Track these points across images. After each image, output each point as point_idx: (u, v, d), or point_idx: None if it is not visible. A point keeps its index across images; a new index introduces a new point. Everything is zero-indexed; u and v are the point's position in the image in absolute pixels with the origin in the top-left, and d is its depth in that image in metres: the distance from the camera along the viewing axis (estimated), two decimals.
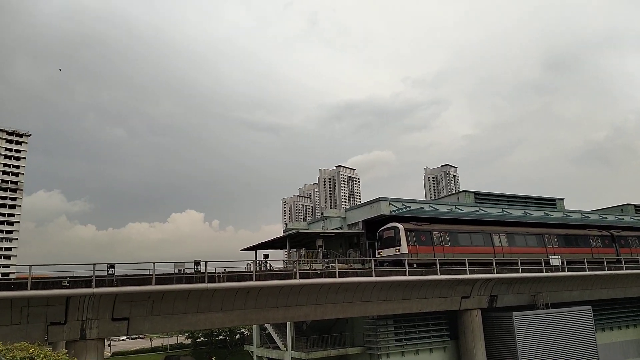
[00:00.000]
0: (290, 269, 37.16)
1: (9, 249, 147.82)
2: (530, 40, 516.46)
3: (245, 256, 55.20)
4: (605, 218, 59.54)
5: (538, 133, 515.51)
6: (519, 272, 42.69)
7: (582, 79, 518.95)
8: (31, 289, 26.01)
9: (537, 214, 53.60)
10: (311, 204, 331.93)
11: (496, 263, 42.27)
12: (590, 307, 47.15)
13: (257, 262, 45.58)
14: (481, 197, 55.22)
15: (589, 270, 46.90)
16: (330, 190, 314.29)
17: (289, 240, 47.09)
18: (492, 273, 41.40)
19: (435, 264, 38.88)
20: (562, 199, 62.77)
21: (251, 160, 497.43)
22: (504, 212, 50.84)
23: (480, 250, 43.63)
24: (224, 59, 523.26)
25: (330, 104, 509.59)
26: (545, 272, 44.40)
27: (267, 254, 48.50)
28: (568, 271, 45.70)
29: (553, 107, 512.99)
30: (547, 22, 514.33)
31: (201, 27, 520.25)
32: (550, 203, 61.38)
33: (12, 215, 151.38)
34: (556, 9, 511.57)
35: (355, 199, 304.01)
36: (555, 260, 45.42)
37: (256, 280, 32.01)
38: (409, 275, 37.31)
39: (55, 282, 27.06)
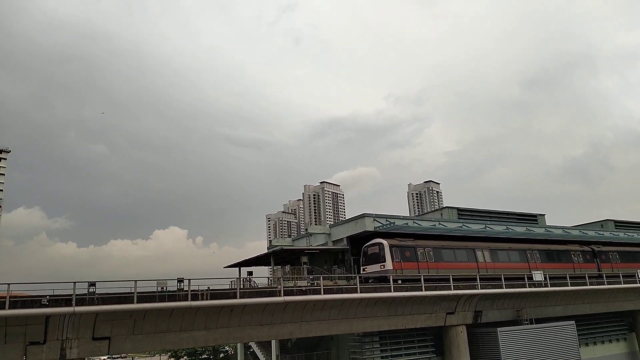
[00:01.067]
0: (275, 286, 36.87)
1: None
2: (508, 59, 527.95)
3: (229, 273, 54.66)
4: (586, 233, 60.36)
5: (518, 149, 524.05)
6: (502, 288, 42.93)
7: (559, 97, 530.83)
8: (9, 308, 25.38)
9: (519, 229, 54.14)
10: (296, 220, 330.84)
11: (480, 279, 42.47)
12: (573, 322, 47.49)
13: (241, 279, 45.16)
14: (464, 213, 55.66)
15: (571, 286, 47.35)
16: (314, 207, 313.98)
17: (274, 257, 46.83)
18: (476, 289, 41.57)
19: (420, 280, 38.94)
20: (544, 215, 63.58)
21: (235, 176, 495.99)
22: (487, 228, 51.25)
23: (464, 266, 43.83)
24: (207, 75, 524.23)
25: (314, 120, 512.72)
26: (529, 287, 44.72)
27: (252, 271, 48.12)
28: (551, 286, 46.09)
29: (532, 124, 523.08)
30: (524, 42, 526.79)
31: (183, 43, 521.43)
32: (531, 219, 62.10)
33: None
34: (533, 30, 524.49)
35: (340, 215, 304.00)
36: (538, 276, 45.79)
37: (240, 297, 31.67)
38: (394, 291, 37.28)
39: (34, 301, 26.45)
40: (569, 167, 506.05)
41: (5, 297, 25.55)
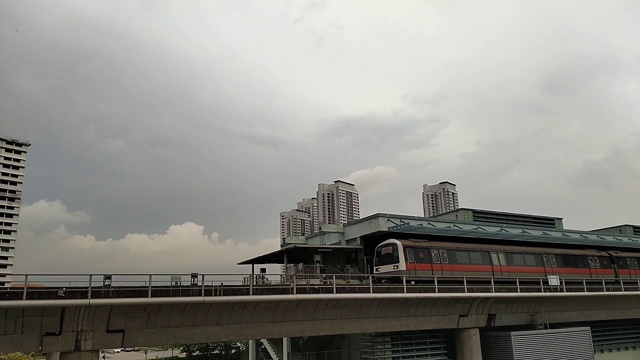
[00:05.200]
0: (288, 283, 36.96)
1: (5, 257, 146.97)
2: (528, 62, 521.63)
3: (242, 270, 54.91)
4: (604, 239, 59.46)
5: (537, 153, 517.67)
6: (517, 292, 42.49)
7: (580, 100, 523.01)
8: (26, 298, 25.82)
9: (535, 233, 53.52)
10: (309, 219, 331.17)
11: (494, 282, 42.08)
12: (589, 327, 46.84)
13: (254, 276, 45.34)
14: (480, 215, 55.20)
15: (587, 291, 46.72)
16: (328, 205, 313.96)
17: (287, 255, 46.92)
18: (490, 292, 41.22)
19: (433, 282, 38.72)
20: (561, 219, 62.75)
21: (251, 174, 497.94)
22: (503, 231, 50.75)
23: (479, 269, 43.48)
24: (225, 73, 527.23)
25: (330, 119, 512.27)
26: (544, 291, 44.21)
27: (265, 268, 48.28)
28: (566, 291, 45.52)
29: (552, 127, 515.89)
30: (543, 44, 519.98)
31: (203, 41, 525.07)
32: (548, 223, 61.32)
33: (10, 224, 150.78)
34: (553, 32, 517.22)
35: (354, 215, 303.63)
36: (553, 280, 45.23)
37: (253, 294, 31.83)
38: (406, 292, 37.13)
39: (51, 292, 26.86)
40: (588, 171, 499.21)
41: (22, 288, 26.01)
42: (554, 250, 50.70)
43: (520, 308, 45.21)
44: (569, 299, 47.05)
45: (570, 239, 55.34)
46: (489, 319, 43.51)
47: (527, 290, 43.37)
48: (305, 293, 33.70)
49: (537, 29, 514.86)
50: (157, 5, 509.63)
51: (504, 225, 53.26)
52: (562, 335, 44.85)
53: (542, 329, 44.64)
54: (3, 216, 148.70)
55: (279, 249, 50.15)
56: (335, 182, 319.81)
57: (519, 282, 42.97)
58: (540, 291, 44.08)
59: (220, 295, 30.79)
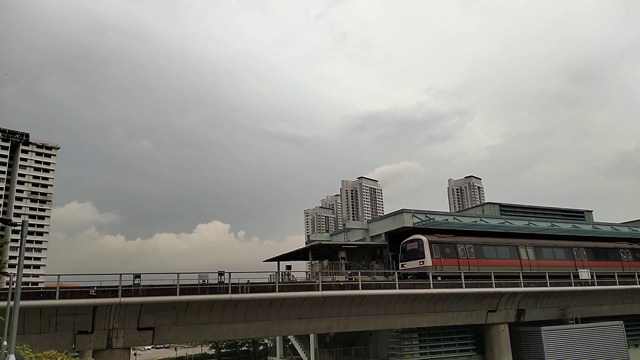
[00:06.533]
0: (313, 280, 37.09)
1: (38, 258, 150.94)
2: (552, 51, 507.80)
3: (268, 267, 55.29)
4: (636, 231, 57.90)
5: (566, 144, 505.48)
6: (547, 286, 41.80)
7: (609, 90, 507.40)
8: (59, 298, 26.54)
9: (565, 226, 52.47)
10: (333, 216, 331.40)
11: (523, 276, 41.47)
12: (621, 322, 45.70)
13: (280, 273, 45.61)
14: (507, 209, 54.37)
15: (619, 285, 45.63)
16: (352, 202, 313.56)
17: (312, 252, 47.07)
18: (519, 287, 40.62)
19: (460, 277, 38.36)
20: (591, 211, 61.38)
21: (275, 171, 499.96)
22: (531, 225, 49.92)
23: (507, 263, 42.88)
24: (249, 72, 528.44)
25: (353, 115, 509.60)
26: (575, 285, 43.37)
27: (290, 265, 48.51)
28: (598, 285, 44.57)
29: (581, 118, 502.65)
30: (570, 33, 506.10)
31: (226, 41, 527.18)
32: (578, 215, 60.05)
33: (42, 225, 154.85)
34: (580, 20, 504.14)
35: (378, 211, 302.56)
36: (584, 274, 44.35)
37: (279, 291, 32.05)
38: (433, 288, 36.87)
39: (82, 292, 27.57)
40: (620, 162, 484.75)
41: (55, 288, 26.73)
42: (585, 243, 49.69)
43: (551, 303, 44.43)
44: (601, 293, 46.04)
45: (601, 232, 54.12)
46: (518, 314, 42.87)
47: (557, 285, 42.61)
48: (331, 290, 33.77)
49: (562, 18, 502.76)
50: (180, 7, 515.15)
51: (532, 219, 52.36)
52: (595, 330, 43.89)
53: (573, 323, 43.79)
54: (35, 218, 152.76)
55: (304, 246, 50.32)
56: (358, 178, 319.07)
57: (549, 276, 42.23)
58: (571, 285, 43.25)
59: (246, 292, 31.09)
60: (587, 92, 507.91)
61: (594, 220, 59.80)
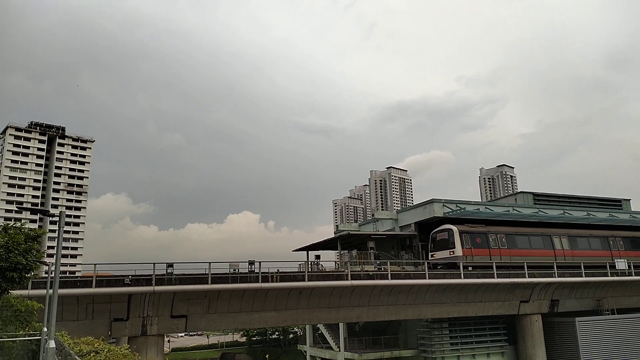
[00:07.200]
0: (342, 270, 37.15)
1: (75, 248, 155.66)
2: (590, 37, 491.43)
3: (297, 257, 55.63)
4: None
5: (602, 132, 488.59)
6: (582, 276, 40.82)
7: None
8: (96, 286, 27.35)
9: (601, 215, 50.96)
10: (362, 206, 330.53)
11: (557, 266, 40.59)
12: None
13: (309, 262, 45.84)
14: (540, 198, 53.11)
15: None
16: (381, 192, 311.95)
17: (340, 242, 47.09)
18: (552, 277, 39.81)
19: (491, 267, 37.79)
20: (629, 200, 59.45)
21: (304, 163, 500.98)
22: (566, 214, 48.66)
23: (540, 253, 42.03)
24: (278, 65, 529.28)
25: (382, 105, 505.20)
26: (611, 276, 42.24)
27: (319, 255, 48.69)
28: (635, 275, 43.28)
29: (619, 105, 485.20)
30: (609, 18, 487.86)
31: (255, 35, 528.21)
32: (615, 204, 58.23)
33: (78, 217, 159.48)
34: (616, 4, 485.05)
35: (407, 201, 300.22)
36: (621, 264, 43.15)
37: (308, 280, 32.25)
38: (464, 278, 36.46)
39: (118, 281, 28.33)
40: None
41: (92, 277, 27.55)
42: (622, 232, 48.29)
43: (585, 293, 43.44)
44: (638, 284, 44.72)
45: (639, 221, 52.35)
46: (552, 304, 42.05)
47: (593, 275, 41.57)
48: (360, 279, 33.79)
49: (600, 2, 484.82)
50: (211, 2, 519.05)
51: (567, 208, 51.02)
52: (631, 321, 42.73)
53: (608, 314, 42.72)
54: (72, 209, 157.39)
55: (333, 236, 50.39)
56: (387, 168, 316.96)
57: (584, 266, 41.24)
58: (607, 275, 42.15)
59: (276, 281, 31.40)
60: (625, 79, 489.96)
61: (632, 210, 57.91)
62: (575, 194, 55.71)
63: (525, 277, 38.50)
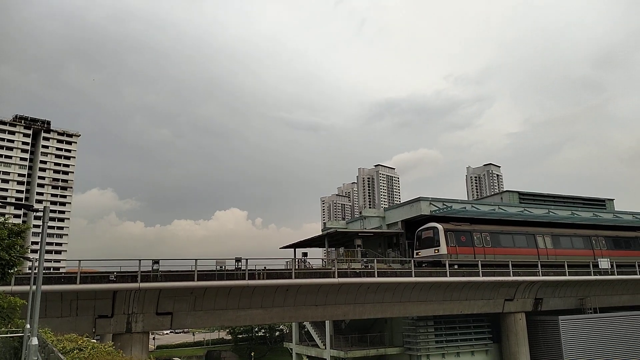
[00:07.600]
0: (329, 267, 37.23)
1: (60, 244, 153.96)
2: (578, 37, 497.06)
3: (285, 254, 55.56)
4: None
5: (588, 131, 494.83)
6: (565, 275, 41.35)
7: (636, 76, 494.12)
8: (80, 283, 27.08)
9: (585, 215, 51.65)
10: (350, 203, 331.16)
11: (541, 265, 41.07)
12: None
13: (297, 260, 45.85)
14: (526, 197, 53.66)
15: None
16: (369, 190, 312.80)
17: (328, 239, 47.16)
18: (536, 275, 40.27)
19: (476, 265, 38.14)
20: (612, 200, 60.28)
21: (292, 159, 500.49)
22: (550, 213, 49.25)
23: (524, 252, 42.48)
24: (267, 60, 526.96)
25: (371, 102, 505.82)
26: (594, 275, 42.83)
27: (306, 252, 48.73)
28: (618, 274, 43.95)
29: (605, 104, 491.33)
30: (598, 18, 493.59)
31: (243, 29, 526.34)
32: (599, 204, 59.03)
33: (63, 212, 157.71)
34: (604, 5, 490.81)
35: (395, 199, 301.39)
36: (604, 263, 43.75)
37: (295, 278, 32.26)
38: (449, 276, 36.75)
39: (102, 277, 28.09)
40: None
41: (76, 273, 27.27)
42: (605, 232, 48.92)
43: (569, 292, 44.01)
44: (621, 283, 45.44)
45: (622, 221, 53.15)
46: (536, 303, 42.56)
47: (576, 274, 42.13)
48: (347, 277, 33.88)
49: (589, 2, 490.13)
50: None
51: (552, 207, 51.64)
52: (613, 319, 43.42)
53: (591, 313, 43.33)
54: (57, 204, 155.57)
55: (320, 233, 50.44)
56: (375, 166, 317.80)
57: (567, 265, 41.76)
58: (590, 274, 42.73)
59: (263, 279, 31.37)
60: (613, 78, 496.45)
61: (616, 209, 58.74)
62: (560, 194, 56.36)
63: (509, 276, 38.90)
